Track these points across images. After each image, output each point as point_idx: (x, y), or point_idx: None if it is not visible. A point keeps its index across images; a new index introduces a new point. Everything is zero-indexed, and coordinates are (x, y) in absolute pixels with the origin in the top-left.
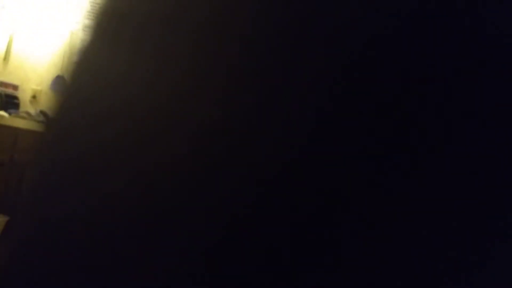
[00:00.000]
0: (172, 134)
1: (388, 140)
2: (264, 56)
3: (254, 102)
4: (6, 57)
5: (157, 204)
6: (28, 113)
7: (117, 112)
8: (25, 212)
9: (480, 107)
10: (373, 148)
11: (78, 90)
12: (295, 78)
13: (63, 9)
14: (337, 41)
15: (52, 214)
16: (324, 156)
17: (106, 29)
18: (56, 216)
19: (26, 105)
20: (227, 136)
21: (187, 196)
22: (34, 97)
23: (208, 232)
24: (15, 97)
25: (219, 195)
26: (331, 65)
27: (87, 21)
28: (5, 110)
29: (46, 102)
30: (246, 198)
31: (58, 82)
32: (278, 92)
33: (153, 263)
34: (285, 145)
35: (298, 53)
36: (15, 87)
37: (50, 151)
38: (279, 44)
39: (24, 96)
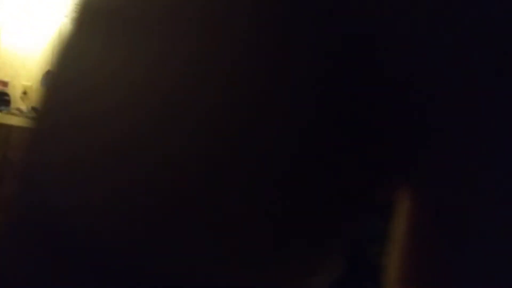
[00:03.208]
0: (169, 132)
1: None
2: (263, 54)
3: (252, 99)
4: None
5: (156, 203)
6: (19, 110)
7: (109, 110)
8: (19, 210)
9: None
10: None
11: (68, 85)
12: (295, 76)
13: (52, 2)
14: (333, 40)
15: (46, 211)
16: (325, 153)
17: (97, 24)
18: (50, 213)
19: (17, 102)
20: (226, 134)
21: (187, 195)
22: (25, 93)
23: (206, 229)
24: (6, 94)
25: (218, 192)
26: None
27: (76, 15)
28: None
29: (37, 98)
30: (246, 195)
31: (49, 77)
32: (277, 90)
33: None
34: (287, 143)
35: (298, 52)
36: (5, 84)
37: (40, 148)
38: (279, 42)
39: (15, 92)
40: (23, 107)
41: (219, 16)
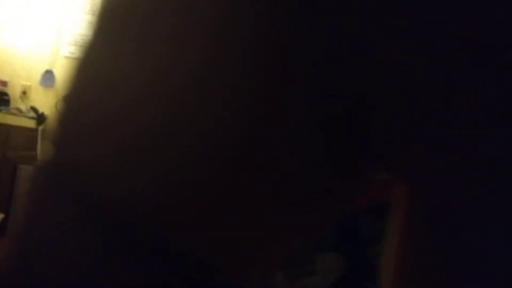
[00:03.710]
0: (180, 135)
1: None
2: (273, 55)
3: (262, 101)
4: None
5: (167, 208)
6: (18, 110)
7: (122, 114)
8: (22, 211)
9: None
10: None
11: (83, 90)
12: (300, 77)
13: (52, 2)
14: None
15: (50, 216)
16: (327, 155)
17: (109, 25)
18: (56, 217)
19: (16, 102)
20: (233, 137)
21: (194, 198)
22: (24, 93)
23: (213, 232)
24: (5, 94)
25: (224, 194)
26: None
27: (88, 16)
28: None
29: (36, 98)
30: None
31: (48, 77)
32: (284, 91)
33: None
34: (291, 145)
35: (300, 53)
36: (4, 83)
37: (53, 153)
38: (288, 42)
39: (14, 92)
40: (22, 106)
41: (230, 17)
